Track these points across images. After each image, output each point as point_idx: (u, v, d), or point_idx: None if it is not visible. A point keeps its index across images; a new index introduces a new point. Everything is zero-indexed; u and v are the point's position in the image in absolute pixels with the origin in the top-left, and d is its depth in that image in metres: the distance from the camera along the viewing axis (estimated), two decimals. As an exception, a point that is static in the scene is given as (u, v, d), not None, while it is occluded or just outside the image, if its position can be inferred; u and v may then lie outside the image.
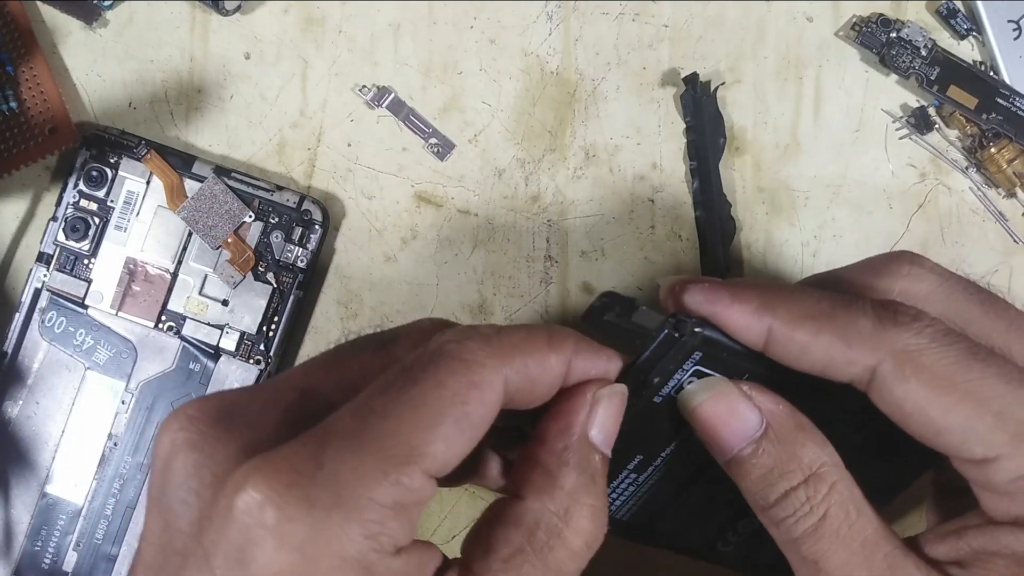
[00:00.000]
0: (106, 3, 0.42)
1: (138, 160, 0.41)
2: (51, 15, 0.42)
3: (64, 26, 0.42)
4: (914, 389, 0.26)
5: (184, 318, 0.41)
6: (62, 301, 0.41)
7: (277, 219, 0.41)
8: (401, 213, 0.43)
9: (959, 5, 0.43)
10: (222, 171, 0.41)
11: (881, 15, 0.42)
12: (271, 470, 0.22)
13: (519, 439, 0.28)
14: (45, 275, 0.41)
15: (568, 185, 0.43)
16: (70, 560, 0.41)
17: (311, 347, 0.43)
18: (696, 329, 0.27)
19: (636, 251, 0.43)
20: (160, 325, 0.41)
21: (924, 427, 0.26)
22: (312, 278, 0.42)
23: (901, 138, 0.43)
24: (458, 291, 0.43)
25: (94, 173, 0.41)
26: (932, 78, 0.42)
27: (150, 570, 0.23)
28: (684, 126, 0.43)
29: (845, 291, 0.29)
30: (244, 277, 0.41)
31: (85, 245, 0.41)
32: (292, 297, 0.41)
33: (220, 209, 0.41)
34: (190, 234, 0.41)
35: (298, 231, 0.41)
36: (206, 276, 0.41)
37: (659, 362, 0.27)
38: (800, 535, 0.27)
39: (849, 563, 0.26)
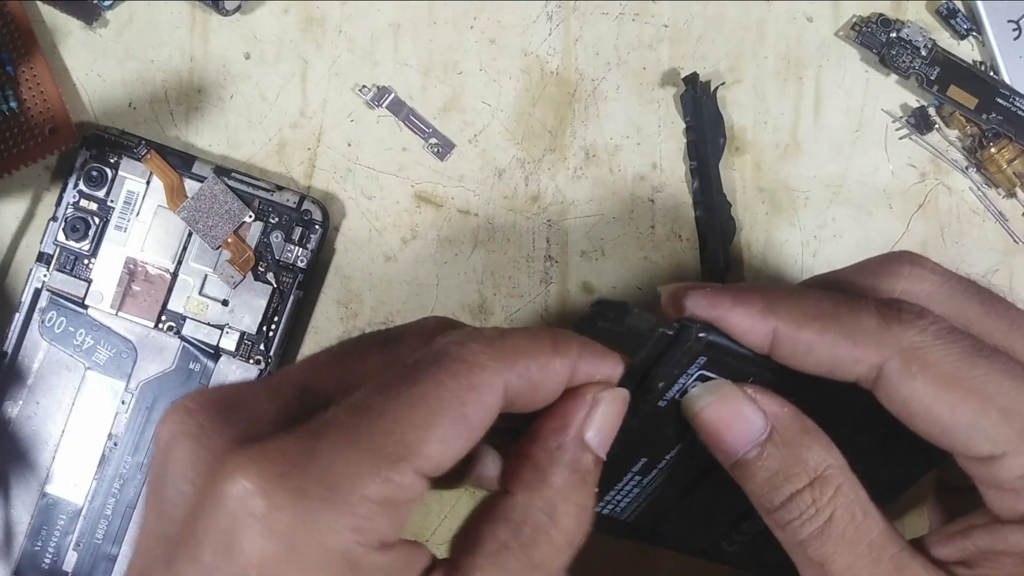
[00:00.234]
0: (106, 3, 0.42)
1: (138, 160, 0.41)
2: (51, 15, 0.42)
3: (64, 26, 0.42)
4: (920, 386, 0.26)
5: (184, 318, 0.41)
6: (62, 301, 0.41)
7: (277, 219, 0.41)
8: (401, 213, 0.43)
9: (959, 5, 0.43)
10: (222, 171, 0.41)
11: (881, 15, 0.42)
12: (263, 459, 0.22)
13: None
14: (45, 275, 0.41)
15: (568, 185, 0.43)
16: (70, 560, 0.41)
17: (311, 347, 0.43)
18: (700, 334, 0.27)
19: (636, 251, 0.43)
20: (160, 325, 0.41)
21: (930, 424, 0.26)
22: (312, 278, 0.42)
23: (901, 138, 0.43)
24: (458, 291, 0.43)
25: (94, 173, 0.41)
26: (932, 78, 0.42)
27: (147, 559, 0.23)
28: (684, 126, 0.43)
29: (846, 292, 0.29)
30: (244, 277, 0.41)
31: (85, 245, 0.41)
32: (292, 297, 0.41)
33: (220, 209, 0.41)
34: (190, 234, 0.41)
35: (298, 231, 0.41)
36: (206, 276, 0.41)
37: (661, 365, 0.27)
38: (806, 537, 0.27)
39: (855, 565, 0.26)
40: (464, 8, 0.43)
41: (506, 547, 0.24)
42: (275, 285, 0.41)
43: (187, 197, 0.41)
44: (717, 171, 0.42)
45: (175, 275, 0.41)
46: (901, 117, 0.43)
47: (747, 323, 0.27)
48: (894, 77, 0.43)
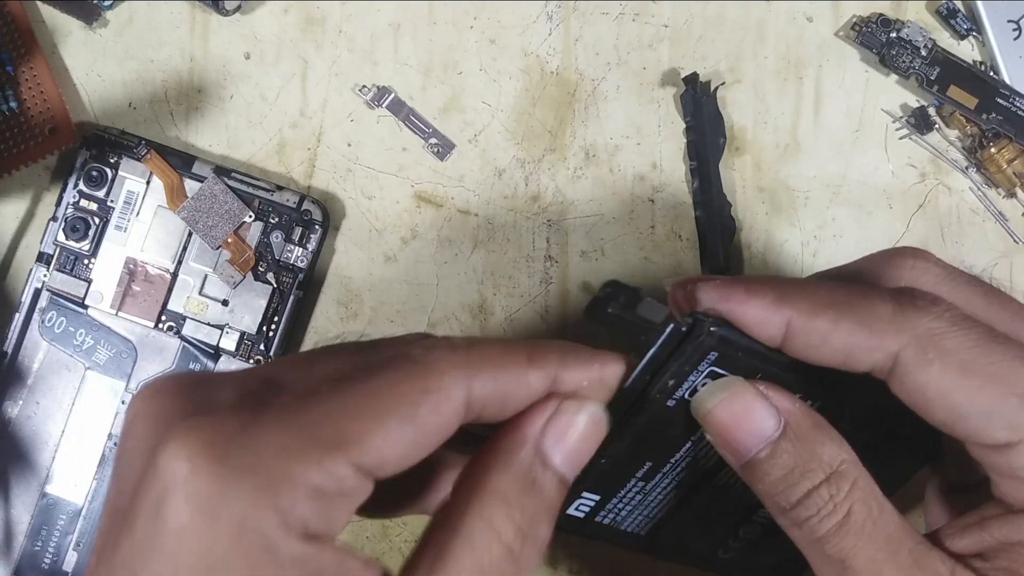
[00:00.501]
0: (106, 3, 0.42)
1: (138, 160, 0.41)
2: (51, 15, 0.42)
3: (64, 26, 0.42)
4: (937, 373, 0.25)
5: (184, 318, 0.41)
6: (62, 301, 0.41)
7: (277, 219, 0.41)
8: (401, 213, 0.43)
9: (959, 5, 0.43)
10: (222, 171, 0.41)
11: (881, 15, 0.42)
12: (197, 429, 0.22)
13: None
14: (45, 275, 0.41)
15: (568, 185, 0.43)
16: (70, 560, 0.41)
17: (311, 347, 0.43)
18: (713, 328, 0.26)
19: (636, 251, 0.43)
20: (160, 325, 0.41)
21: (947, 412, 0.26)
22: (312, 278, 0.42)
23: (901, 138, 0.43)
24: (458, 291, 0.43)
25: (94, 173, 0.41)
26: (932, 78, 0.42)
27: (103, 535, 0.23)
28: (684, 126, 0.43)
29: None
30: (244, 277, 0.41)
31: (85, 245, 0.41)
32: (292, 297, 0.41)
33: (220, 209, 0.41)
34: (190, 234, 0.41)
35: (298, 231, 0.41)
36: (206, 276, 0.41)
37: (673, 361, 0.26)
38: (824, 534, 0.26)
39: (876, 560, 0.26)
40: (464, 8, 0.43)
41: (442, 554, 0.23)
42: (275, 285, 0.41)
43: (187, 197, 0.41)
44: (717, 171, 0.42)
45: (175, 275, 0.41)
46: (901, 117, 0.43)
47: (761, 315, 0.26)
48: (894, 77, 0.43)
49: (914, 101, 0.43)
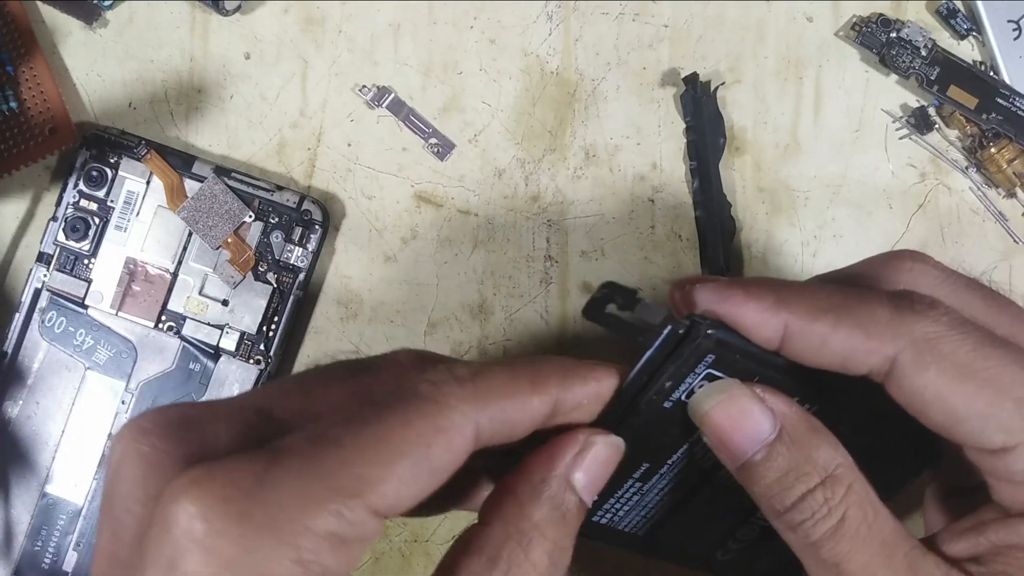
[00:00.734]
0: (106, 3, 0.42)
1: (138, 160, 0.41)
2: (51, 15, 0.42)
3: (64, 26, 0.42)
4: (934, 377, 0.25)
5: (184, 318, 0.41)
6: (62, 301, 0.41)
7: (277, 219, 0.41)
8: (401, 213, 0.43)
9: (959, 5, 0.43)
10: (222, 171, 0.41)
11: (881, 15, 0.42)
12: (208, 482, 0.21)
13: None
14: (45, 275, 0.41)
15: (568, 185, 0.43)
16: (70, 560, 0.41)
17: (311, 347, 0.43)
18: (710, 331, 0.26)
19: (636, 251, 0.43)
20: (160, 325, 0.41)
21: (944, 415, 0.26)
22: (312, 278, 0.42)
23: (901, 138, 0.43)
24: (458, 291, 0.43)
25: (94, 173, 0.41)
26: (932, 78, 0.42)
27: None
28: (684, 126, 0.43)
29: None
30: (244, 277, 0.41)
31: (85, 245, 0.41)
32: (292, 297, 0.41)
33: (220, 209, 0.41)
34: (190, 234, 0.41)
35: (298, 231, 0.41)
36: (206, 276, 0.41)
37: (670, 363, 0.26)
38: (819, 538, 0.26)
39: (870, 565, 0.26)
40: (464, 8, 0.43)
41: None
42: (275, 285, 0.41)
43: (187, 197, 0.41)
44: (717, 171, 0.42)
45: (175, 275, 0.41)
46: (901, 117, 0.43)
47: (759, 317, 0.26)
48: (894, 77, 0.43)
49: (914, 101, 0.43)
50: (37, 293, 0.41)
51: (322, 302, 0.43)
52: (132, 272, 0.41)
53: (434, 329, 0.43)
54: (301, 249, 0.41)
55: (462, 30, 0.43)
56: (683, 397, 0.27)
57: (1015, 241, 0.43)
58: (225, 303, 0.41)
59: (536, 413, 0.25)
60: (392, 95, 0.43)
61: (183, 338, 0.41)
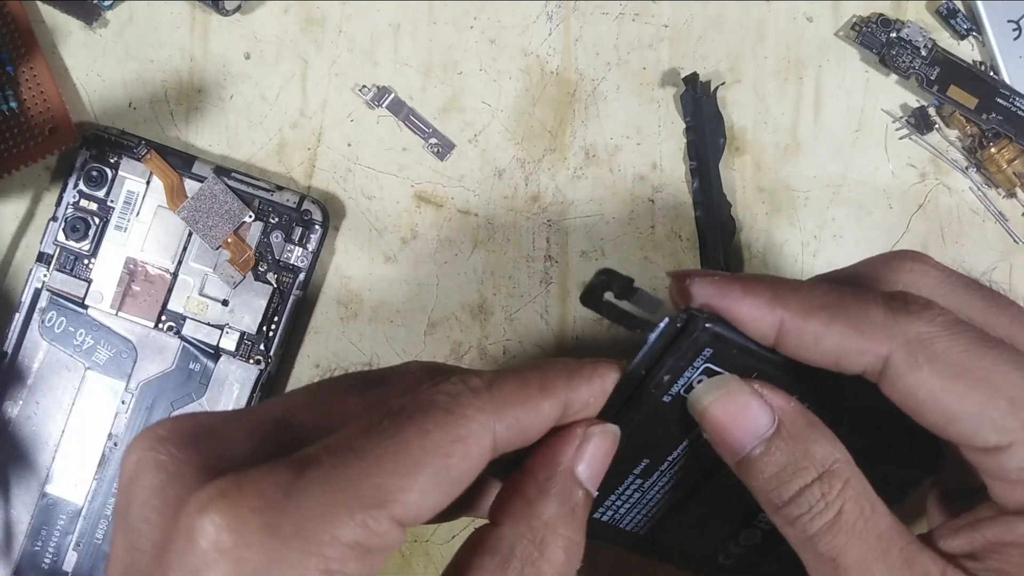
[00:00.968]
0: (106, 3, 0.42)
1: (138, 160, 0.41)
2: (51, 15, 0.42)
3: (64, 26, 0.42)
4: (927, 377, 0.25)
5: (184, 318, 0.41)
6: (62, 301, 0.41)
7: (277, 219, 0.41)
8: (401, 213, 0.43)
9: (959, 5, 0.43)
10: (222, 171, 0.41)
11: (881, 15, 0.42)
12: (235, 493, 0.21)
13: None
14: (45, 275, 0.41)
15: (568, 185, 0.43)
16: (70, 560, 0.41)
17: (311, 347, 0.43)
18: (707, 325, 0.26)
19: (636, 251, 0.43)
20: (160, 325, 0.41)
21: (937, 415, 0.26)
22: (312, 278, 0.42)
23: (901, 138, 0.43)
24: (458, 291, 0.43)
25: (94, 173, 0.41)
26: (932, 78, 0.42)
27: None
28: (684, 126, 0.43)
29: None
30: (244, 277, 0.41)
31: (85, 245, 0.41)
32: (292, 297, 0.41)
33: (220, 209, 0.41)
34: (190, 234, 0.41)
35: (298, 231, 0.41)
36: (206, 276, 0.41)
37: (667, 357, 0.27)
38: (816, 532, 0.26)
39: (866, 558, 0.26)
40: (464, 8, 0.43)
41: None
42: (275, 285, 0.41)
43: (187, 197, 0.41)
44: (717, 171, 0.42)
45: (175, 275, 0.41)
46: (901, 117, 0.43)
47: (755, 313, 0.26)
48: (894, 77, 0.43)
49: (914, 101, 0.43)
50: (37, 293, 0.41)
51: (322, 302, 0.43)
52: (132, 272, 0.41)
53: (434, 329, 0.43)
54: (301, 249, 0.41)
55: (462, 30, 0.43)
56: (682, 392, 0.27)
57: (1015, 241, 0.43)
58: (225, 303, 0.41)
59: (548, 417, 0.25)
60: (392, 95, 0.43)
61: (183, 338, 0.41)
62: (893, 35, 0.42)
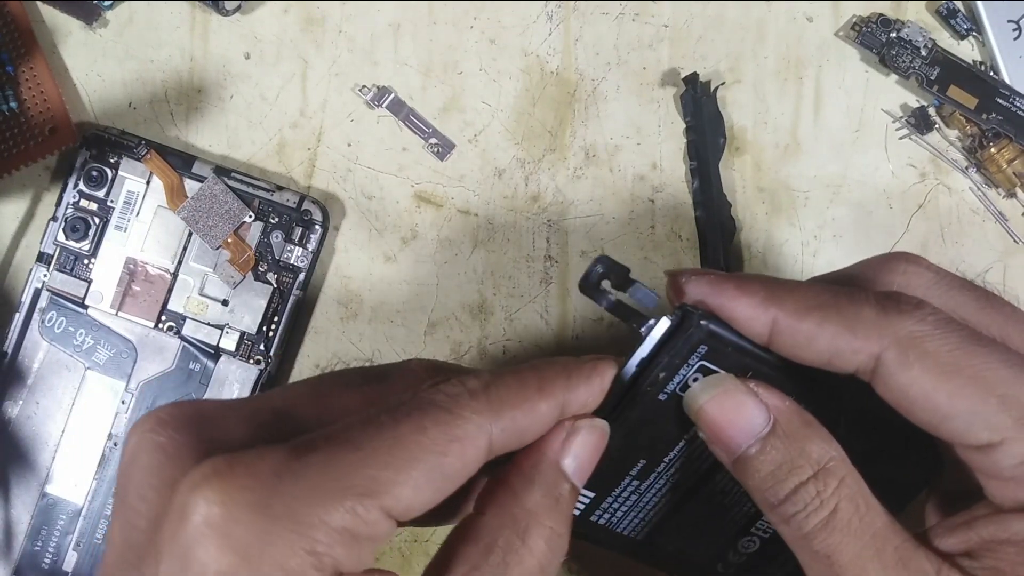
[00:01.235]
0: (106, 3, 0.42)
1: (138, 160, 0.41)
2: (51, 15, 0.42)
3: (64, 26, 0.42)
4: (918, 375, 0.26)
5: (184, 318, 0.41)
6: (62, 301, 0.41)
7: (277, 219, 0.41)
8: (401, 213, 0.43)
9: (959, 5, 0.43)
10: (222, 171, 0.41)
11: (881, 15, 0.42)
12: (229, 472, 0.22)
13: None
14: (45, 275, 0.41)
15: (568, 185, 0.43)
16: (70, 560, 0.41)
17: (311, 347, 0.43)
18: (702, 321, 0.26)
19: (636, 251, 0.43)
20: (160, 325, 0.41)
21: (929, 413, 0.26)
22: (312, 278, 0.42)
23: (901, 138, 0.43)
24: (458, 291, 0.43)
25: (94, 173, 0.41)
26: (932, 78, 0.42)
27: (112, 568, 0.23)
28: (684, 126, 0.43)
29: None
30: (244, 277, 0.41)
31: (85, 245, 0.41)
32: (292, 297, 0.41)
33: (220, 209, 0.41)
34: (190, 234, 0.41)
35: (298, 231, 0.41)
36: (206, 276, 0.41)
37: (663, 354, 0.27)
38: (811, 530, 0.26)
39: (861, 556, 0.26)
40: (464, 8, 0.43)
41: (476, 569, 0.24)
42: (275, 285, 0.41)
43: (187, 197, 0.41)
44: (717, 171, 0.42)
45: (175, 275, 0.41)
46: (901, 117, 0.43)
47: (749, 312, 0.26)
48: (894, 77, 0.43)
49: (914, 101, 0.43)
50: (37, 293, 0.41)
51: (322, 302, 0.43)
52: (132, 272, 0.41)
53: (434, 329, 0.43)
54: (301, 249, 0.41)
55: (462, 30, 0.43)
56: (678, 390, 0.27)
57: (1015, 241, 0.43)
58: (225, 303, 0.41)
59: (545, 418, 0.26)
60: (392, 95, 0.43)
61: (183, 338, 0.41)
62: (893, 35, 0.42)
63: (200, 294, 0.41)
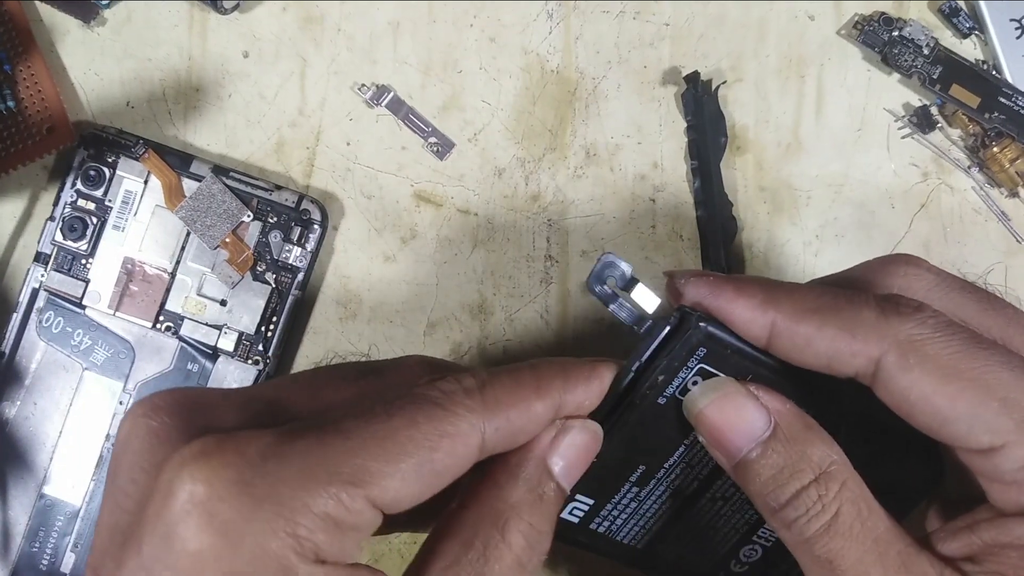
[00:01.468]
0: (104, 2, 0.42)
1: (136, 159, 0.41)
2: (49, 14, 0.42)
3: (62, 25, 0.42)
4: (919, 378, 0.25)
5: (182, 318, 0.41)
6: (60, 301, 0.41)
7: (276, 219, 0.41)
8: (401, 213, 0.42)
9: (961, 4, 0.43)
10: (220, 170, 0.41)
11: (883, 14, 0.42)
12: (216, 452, 0.22)
13: None
14: (43, 275, 0.41)
15: (568, 184, 0.43)
16: (68, 561, 0.40)
17: (310, 347, 0.42)
18: (700, 323, 0.26)
19: (637, 251, 0.43)
20: (158, 325, 0.41)
21: (929, 417, 0.26)
22: (311, 278, 0.41)
23: (903, 137, 0.43)
24: (458, 291, 0.43)
25: (92, 172, 0.41)
26: (934, 77, 0.42)
27: (99, 552, 0.24)
28: (685, 125, 0.43)
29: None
30: (242, 277, 0.41)
31: (83, 245, 0.41)
32: (291, 297, 0.41)
33: (218, 209, 0.41)
34: (188, 234, 0.41)
35: (297, 231, 0.41)
36: (204, 276, 0.41)
37: (661, 357, 0.27)
38: (812, 534, 0.26)
39: (863, 560, 0.26)
40: (464, 7, 0.43)
41: (456, 564, 0.24)
42: (274, 285, 0.41)
43: (185, 196, 0.41)
44: (718, 170, 0.42)
45: (173, 275, 0.41)
46: (903, 116, 0.43)
47: (748, 314, 0.26)
48: (896, 76, 0.43)
49: (916, 100, 0.43)
50: (34, 293, 0.41)
51: (321, 302, 0.42)
52: (130, 272, 0.41)
53: (434, 329, 0.43)
54: (300, 249, 0.41)
55: (462, 28, 0.43)
56: (677, 393, 0.27)
57: (1018, 241, 0.43)
58: (223, 303, 0.41)
59: (541, 418, 0.26)
60: (391, 94, 0.42)
61: (181, 338, 0.41)
62: (895, 34, 0.42)
63: (198, 294, 0.41)
